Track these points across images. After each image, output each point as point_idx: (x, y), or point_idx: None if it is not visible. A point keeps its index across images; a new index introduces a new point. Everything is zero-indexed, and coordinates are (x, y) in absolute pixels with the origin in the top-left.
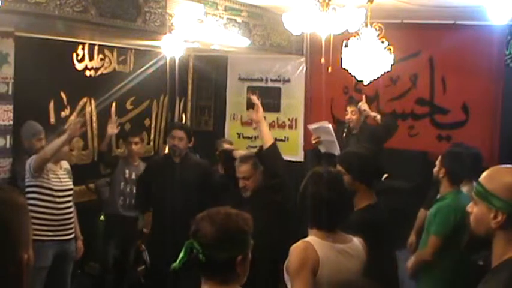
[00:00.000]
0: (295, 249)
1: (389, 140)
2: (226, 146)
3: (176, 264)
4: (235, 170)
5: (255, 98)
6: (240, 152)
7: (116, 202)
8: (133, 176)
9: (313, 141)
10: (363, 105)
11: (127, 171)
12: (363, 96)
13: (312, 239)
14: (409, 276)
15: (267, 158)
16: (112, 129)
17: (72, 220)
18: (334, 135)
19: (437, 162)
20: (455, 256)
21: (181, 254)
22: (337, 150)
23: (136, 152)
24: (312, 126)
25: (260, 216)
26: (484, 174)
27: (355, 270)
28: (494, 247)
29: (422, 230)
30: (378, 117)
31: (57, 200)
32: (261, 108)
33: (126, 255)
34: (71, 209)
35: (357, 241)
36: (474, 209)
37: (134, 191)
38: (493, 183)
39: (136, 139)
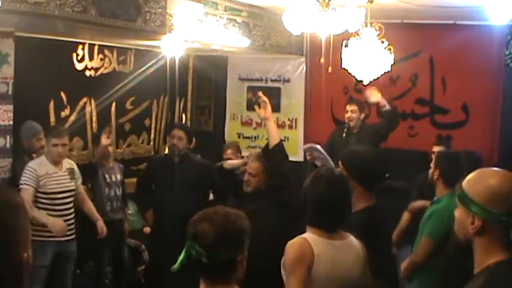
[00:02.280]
0: (291, 246)
1: (390, 133)
2: (228, 151)
3: (176, 266)
4: (231, 182)
5: (262, 95)
6: (230, 163)
7: (105, 208)
8: (113, 178)
9: (308, 158)
10: (376, 94)
11: (107, 176)
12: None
13: (309, 235)
14: (404, 278)
15: (272, 155)
16: (105, 140)
17: (72, 221)
18: (325, 153)
19: (432, 164)
20: (449, 259)
21: (182, 256)
22: (332, 166)
23: (110, 153)
24: (303, 147)
25: (267, 215)
26: (467, 177)
27: (352, 265)
28: (475, 254)
29: (404, 232)
30: (388, 106)
31: (56, 201)
32: (269, 106)
33: (120, 256)
34: (71, 210)
35: (353, 237)
36: (456, 213)
37: (118, 193)
38: (472, 187)
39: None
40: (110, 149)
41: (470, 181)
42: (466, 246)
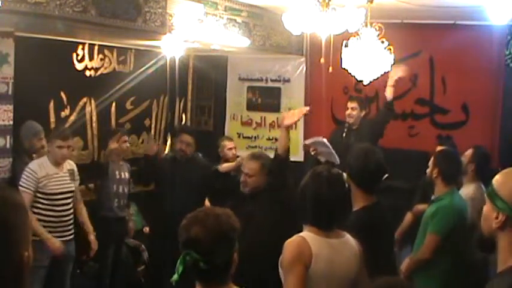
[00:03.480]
0: (289, 244)
1: (386, 125)
2: (227, 143)
3: (175, 277)
4: (229, 184)
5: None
6: (225, 166)
7: (112, 204)
8: (123, 176)
9: (312, 153)
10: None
11: (117, 172)
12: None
13: (306, 234)
14: (404, 278)
15: (283, 164)
16: (113, 144)
17: (71, 221)
18: (330, 146)
19: (430, 163)
20: (453, 257)
21: (180, 267)
22: (336, 160)
23: (123, 150)
24: (307, 142)
25: (265, 215)
26: (498, 174)
27: (349, 263)
28: (498, 251)
29: (406, 233)
30: (391, 90)
31: (56, 202)
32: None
33: (119, 254)
34: (70, 211)
35: (349, 236)
36: (484, 208)
37: (125, 190)
38: (501, 184)
39: (125, 137)
40: (125, 146)
41: (499, 179)
42: (489, 242)
